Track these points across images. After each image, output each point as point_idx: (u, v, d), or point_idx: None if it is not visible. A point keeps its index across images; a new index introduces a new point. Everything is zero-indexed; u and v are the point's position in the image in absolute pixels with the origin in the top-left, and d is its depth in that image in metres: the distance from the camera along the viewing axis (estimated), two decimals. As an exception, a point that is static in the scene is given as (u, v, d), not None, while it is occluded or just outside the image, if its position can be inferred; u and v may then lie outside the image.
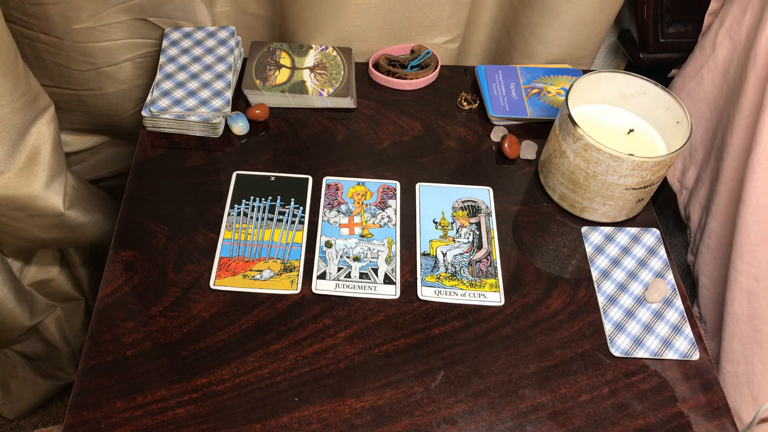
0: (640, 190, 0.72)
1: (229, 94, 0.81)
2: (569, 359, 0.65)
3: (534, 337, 0.67)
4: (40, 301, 0.93)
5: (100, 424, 0.58)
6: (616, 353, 0.66)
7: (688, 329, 0.68)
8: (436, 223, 0.75)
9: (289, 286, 0.68)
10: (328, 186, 0.78)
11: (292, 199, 0.76)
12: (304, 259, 0.71)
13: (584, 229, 0.76)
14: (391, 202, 0.77)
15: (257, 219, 0.74)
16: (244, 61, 0.90)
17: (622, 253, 0.74)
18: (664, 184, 0.99)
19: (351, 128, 0.84)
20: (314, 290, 0.68)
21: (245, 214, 0.74)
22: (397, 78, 0.89)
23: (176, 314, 0.65)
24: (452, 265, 0.71)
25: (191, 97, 0.79)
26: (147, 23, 0.82)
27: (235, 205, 0.75)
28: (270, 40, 0.96)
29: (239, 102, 0.86)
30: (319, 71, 0.87)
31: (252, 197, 0.76)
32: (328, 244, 0.72)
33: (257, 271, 0.69)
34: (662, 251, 0.74)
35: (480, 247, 0.73)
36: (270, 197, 0.76)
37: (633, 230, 0.76)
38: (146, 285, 0.67)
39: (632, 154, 0.67)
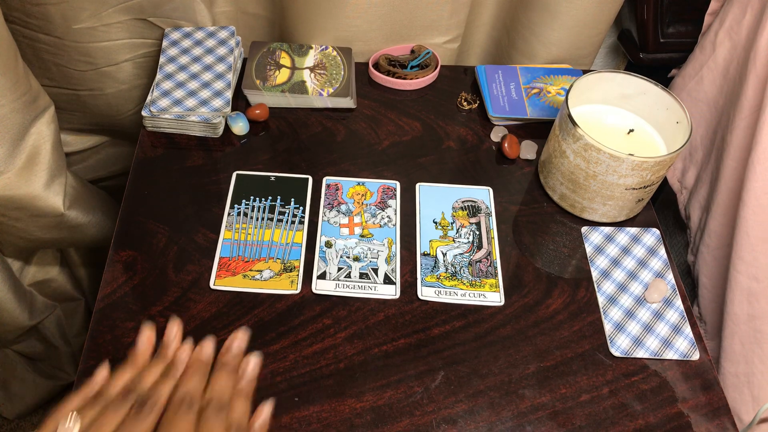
0: (640, 190, 0.72)
1: (229, 94, 0.81)
2: (569, 359, 0.65)
3: (534, 337, 0.66)
4: (40, 301, 0.93)
5: (100, 424, 0.58)
6: (616, 353, 0.66)
7: (688, 329, 0.68)
8: (436, 223, 0.75)
9: (289, 286, 0.68)
10: (328, 186, 0.78)
11: (292, 199, 0.76)
12: (304, 259, 0.71)
13: (584, 229, 0.76)
14: (391, 202, 0.77)
15: (257, 219, 0.74)
16: (244, 61, 0.90)
17: (622, 253, 0.74)
18: (664, 184, 0.99)
19: (351, 128, 0.84)
20: (314, 290, 0.68)
21: (245, 214, 0.74)
22: (397, 78, 0.89)
23: (176, 314, 0.65)
24: (452, 265, 0.71)
25: (191, 97, 0.79)
26: (147, 23, 0.82)
27: (235, 205, 0.75)
28: (270, 40, 0.96)
29: (239, 102, 0.86)
30: (319, 71, 0.87)
31: (252, 197, 0.76)
32: (328, 244, 0.72)
33: (257, 271, 0.69)
34: (662, 251, 0.74)
35: (480, 247, 0.73)
36: (270, 197, 0.76)
37: (633, 230, 0.76)
38: (146, 285, 0.67)
39: (632, 154, 0.67)
